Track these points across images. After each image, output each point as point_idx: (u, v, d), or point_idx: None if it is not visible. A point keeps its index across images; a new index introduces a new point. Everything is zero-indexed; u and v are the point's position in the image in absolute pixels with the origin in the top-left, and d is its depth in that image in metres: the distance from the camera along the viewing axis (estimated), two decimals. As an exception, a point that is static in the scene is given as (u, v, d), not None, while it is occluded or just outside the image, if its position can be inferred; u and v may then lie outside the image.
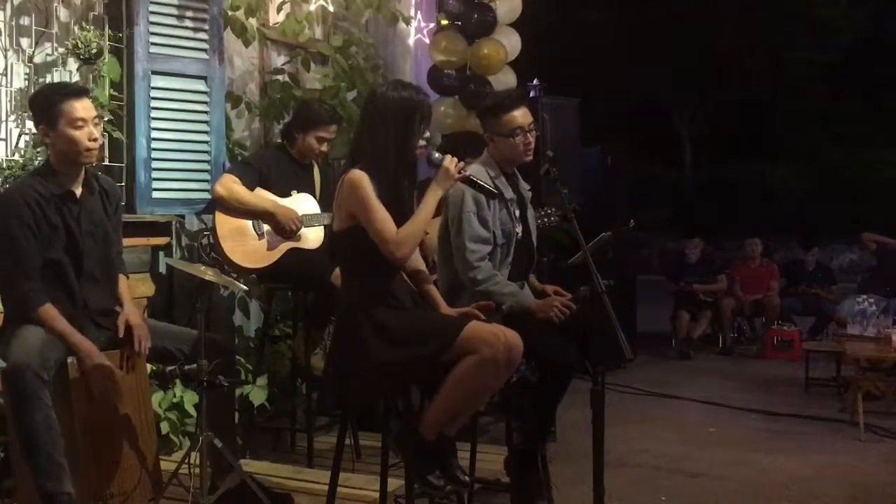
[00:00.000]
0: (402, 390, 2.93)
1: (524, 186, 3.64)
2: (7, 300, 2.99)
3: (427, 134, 2.96)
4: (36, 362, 2.73)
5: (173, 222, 4.32)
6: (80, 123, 2.95)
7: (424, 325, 2.84)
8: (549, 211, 3.91)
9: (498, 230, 3.40)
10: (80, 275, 3.01)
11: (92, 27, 3.95)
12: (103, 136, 3.86)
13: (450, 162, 2.92)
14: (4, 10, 3.83)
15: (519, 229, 3.49)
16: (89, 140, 2.97)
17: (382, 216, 2.80)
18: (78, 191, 3.05)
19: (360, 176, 2.82)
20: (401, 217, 2.84)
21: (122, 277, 3.24)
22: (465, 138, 5.37)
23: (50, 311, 2.89)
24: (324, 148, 4.18)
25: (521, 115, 3.45)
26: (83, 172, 3.07)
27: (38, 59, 3.95)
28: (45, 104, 3.00)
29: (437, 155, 2.97)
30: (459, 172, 2.93)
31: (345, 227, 2.89)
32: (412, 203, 2.98)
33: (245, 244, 3.97)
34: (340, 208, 2.90)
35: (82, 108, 2.97)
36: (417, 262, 3.11)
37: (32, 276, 2.90)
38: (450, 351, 2.75)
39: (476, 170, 3.37)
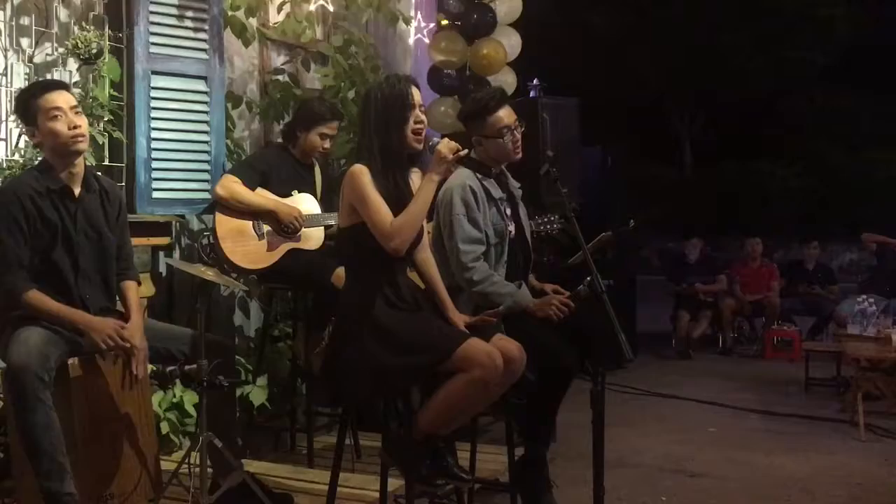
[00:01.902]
0: (396, 394, 2.92)
1: (514, 184, 3.61)
2: None
3: (422, 117, 2.92)
4: (36, 363, 2.72)
5: (173, 222, 4.32)
6: (55, 113, 2.93)
7: (422, 334, 2.82)
8: (553, 218, 3.88)
9: (490, 230, 3.39)
10: (77, 273, 3.01)
11: (92, 27, 3.94)
12: (103, 135, 3.87)
13: (442, 145, 2.88)
14: (4, 10, 3.83)
15: (511, 228, 3.48)
16: (70, 128, 2.94)
17: (377, 206, 2.81)
18: (76, 189, 3.04)
19: (359, 169, 2.85)
20: (400, 209, 2.84)
21: (131, 284, 3.19)
22: (465, 138, 5.35)
23: (37, 295, 2.88)
24: (327, 145, 4.19)
25: (506, 115, 3.44)
26: (82, 171, 3.06)
27: (38, 59, 3.94)
28: (24, 104, 3.02)
29: (435, 139, 2.97)
30: (454, 154, 2.87)
31: (349, 223, 2.91)
32: (410, 193, 2.96)
33: (245, 245, 3.96)
34: (343, 203, 2.92)
35: (57, 98, 2.96)
36: (426, 255, 3.10)
37: (15, 269, 2.88)
38: (444, 364, 2.75)
39: (464, 173, 3.38)
